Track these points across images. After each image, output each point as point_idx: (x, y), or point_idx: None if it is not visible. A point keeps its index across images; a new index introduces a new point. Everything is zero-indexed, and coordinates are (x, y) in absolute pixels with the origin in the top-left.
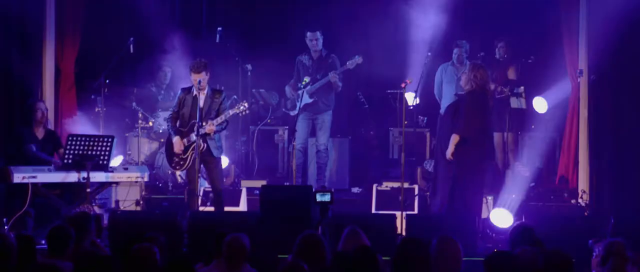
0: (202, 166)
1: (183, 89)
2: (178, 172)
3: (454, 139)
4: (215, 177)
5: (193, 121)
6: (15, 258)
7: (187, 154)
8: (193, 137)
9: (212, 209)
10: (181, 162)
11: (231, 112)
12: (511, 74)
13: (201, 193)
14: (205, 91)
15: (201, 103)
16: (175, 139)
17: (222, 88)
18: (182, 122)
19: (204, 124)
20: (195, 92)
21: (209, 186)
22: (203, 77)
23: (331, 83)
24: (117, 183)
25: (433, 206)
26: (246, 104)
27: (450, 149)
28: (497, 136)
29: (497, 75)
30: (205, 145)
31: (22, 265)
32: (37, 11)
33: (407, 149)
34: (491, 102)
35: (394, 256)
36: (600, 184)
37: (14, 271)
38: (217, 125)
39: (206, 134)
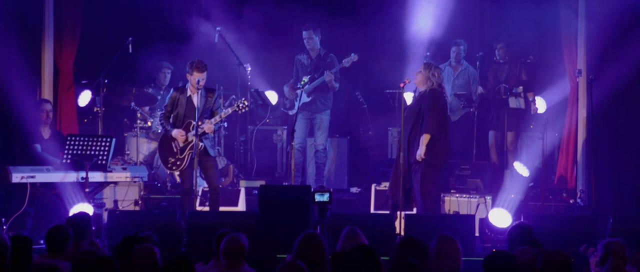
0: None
1: (175, 89)
2: (176, 173)
3: (426, 139)
4: (213, 176)
5: (188, 121)
6: (9, 258)
7: (184, 154)
8: (190, 136)
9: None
10: (178, 163)
11: (230, 110)
12: (524, 76)
13: (200, 193)
14: (200, 91)
15: (197, 102)
16: (175, 132)
17: (215, 87)
18: (177, 122)
19: (200, 123)
20: (189, 92)
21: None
22: (205, 76)
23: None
24: (115, 183)
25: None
26: (245, 102)
27: (423, 149)
28: (495, 136)
29: (503, 77)
30: (203, 144)
31: (18, 265)
32: (35, 11)
33: None
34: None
35: (393, 256)
36: (598, 183)
37: (8, 271)
38: (214, 125)
39: (202, 133)
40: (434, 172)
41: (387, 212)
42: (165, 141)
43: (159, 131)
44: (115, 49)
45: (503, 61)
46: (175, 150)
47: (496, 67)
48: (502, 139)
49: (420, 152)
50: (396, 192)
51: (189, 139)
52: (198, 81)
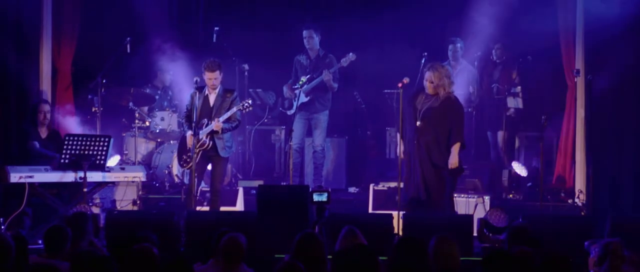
0: (209, 164)
1: (196, 89)
2: (175, 172)
3: (458, 147)
4: (217, 176)
5: (203, 120)
6: (13, 258)
7: (194, 151)
8: (201, 135)
9: (207, 208)
10: (188, 160)
11: (235, 108)
12: (515, 76)
13: (198, 193)
14: (217, 90)
15: (211, 102)
16: (188, 134)
17: (235, 88)
18: (195, 121)
19: (211, 122)
20: (206, 92)
21: (207, 185)
22: (216, 76)
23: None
24: (114, 183)
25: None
26: (250, 101)
27: (456, 158)
28: (492, 136)
29: (498, 77)
30: (211, 143)
31: (15, 265)
32: (34, 11)
33: None
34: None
35: (391, 255)
36: (597, 183)
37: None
38: (225, 123)
39: (215, 132)
40: (455, 177)
41: (386, 212)
42: (183, 140)
43: (157, 131)
44: (113, 49)
45: (500, 61)
46: (188, 147)
47: (492, 67)
48: (500, 139)
49: (455, 161)
50: (413, 189)
51: (201, 138)
52: (196, 81)
